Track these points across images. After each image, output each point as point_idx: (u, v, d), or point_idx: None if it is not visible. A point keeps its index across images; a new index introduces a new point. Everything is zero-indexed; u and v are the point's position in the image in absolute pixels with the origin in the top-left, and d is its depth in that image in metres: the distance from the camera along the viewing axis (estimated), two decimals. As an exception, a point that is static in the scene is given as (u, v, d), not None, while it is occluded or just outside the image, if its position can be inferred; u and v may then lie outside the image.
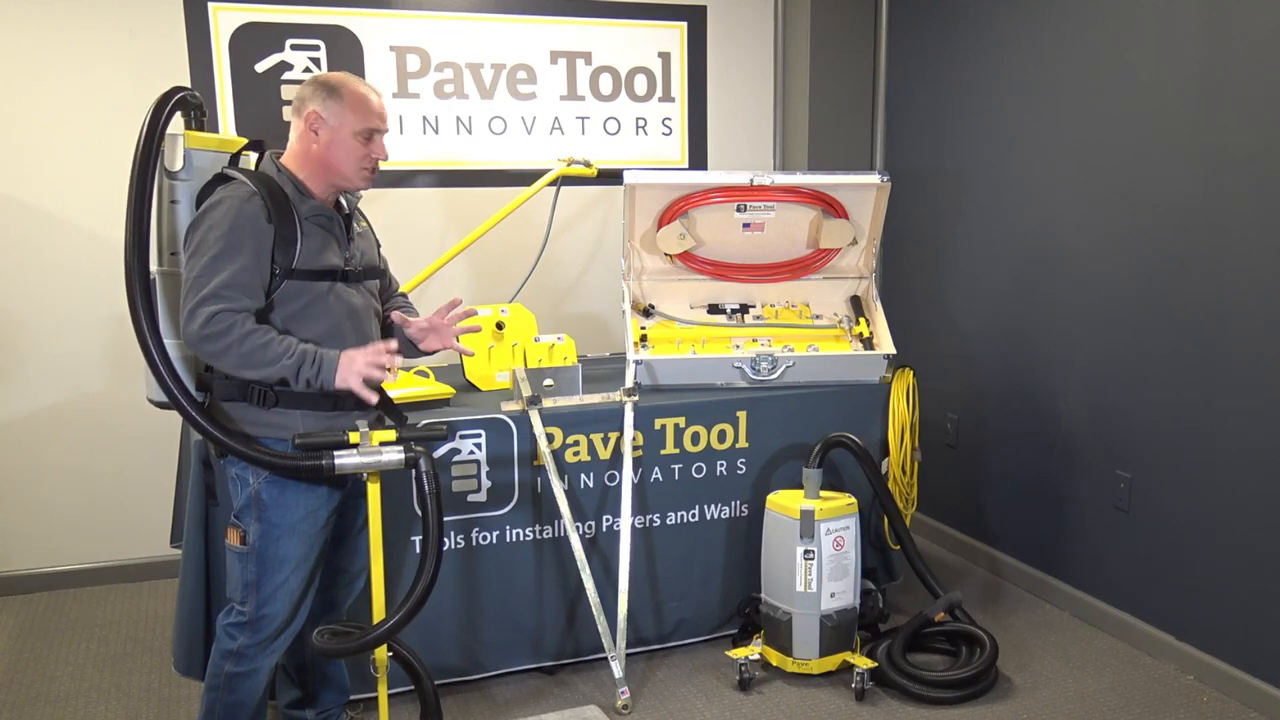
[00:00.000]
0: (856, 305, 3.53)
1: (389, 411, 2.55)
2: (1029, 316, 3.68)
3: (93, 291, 3.73)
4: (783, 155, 4.57)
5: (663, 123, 4.41)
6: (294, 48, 3.86)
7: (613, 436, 3.06)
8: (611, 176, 3.51)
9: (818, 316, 3.51)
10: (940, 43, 4.06)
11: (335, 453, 2.24)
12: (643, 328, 3.38)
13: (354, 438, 2.26)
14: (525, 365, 3.20)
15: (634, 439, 3.05)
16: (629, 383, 3.15)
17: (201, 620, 2.69)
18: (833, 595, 3.01)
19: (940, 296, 4.16)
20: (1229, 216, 2.89)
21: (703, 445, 3.17)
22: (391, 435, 2.31)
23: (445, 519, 2.74)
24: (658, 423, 3.11)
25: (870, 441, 3.25)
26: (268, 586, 2.31)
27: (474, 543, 2.96)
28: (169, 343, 2.26)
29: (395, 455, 2.28)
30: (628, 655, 3.01)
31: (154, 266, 2.26)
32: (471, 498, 2.94)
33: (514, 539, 3.00)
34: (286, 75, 3.86)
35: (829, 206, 3.41)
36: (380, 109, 2.33)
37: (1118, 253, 3.27)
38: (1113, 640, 3.33)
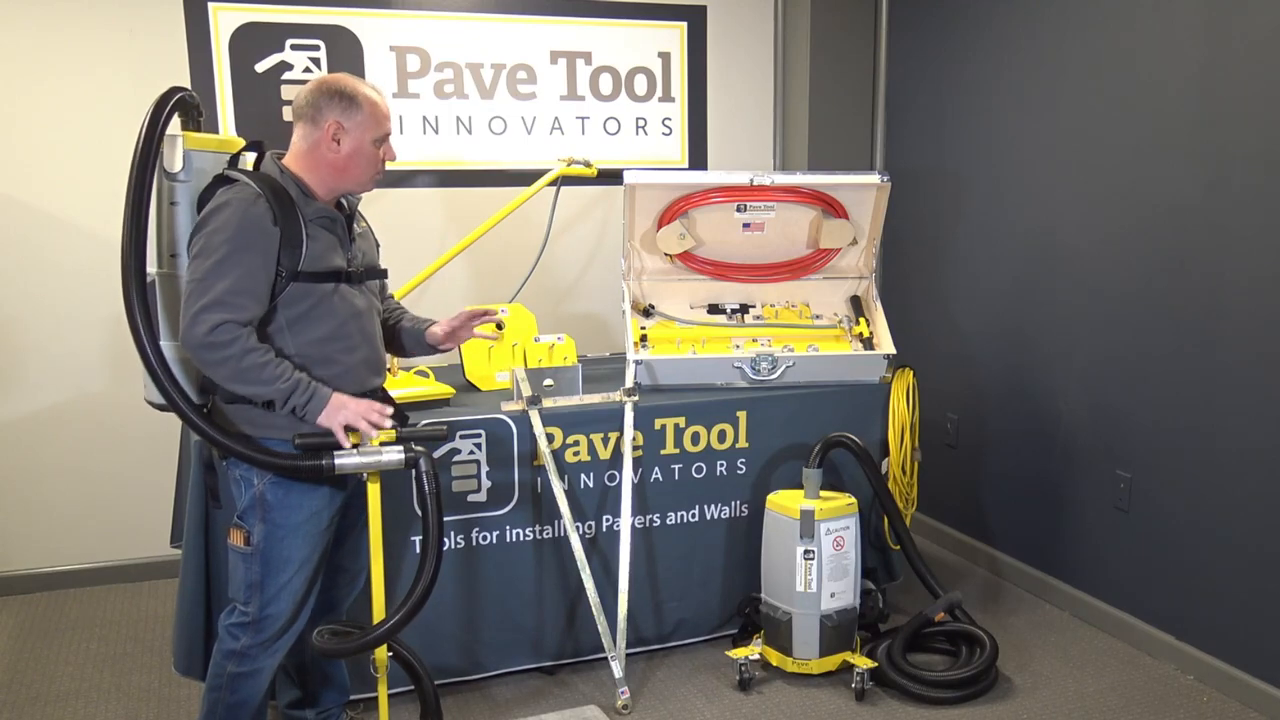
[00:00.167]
0: (856, 305, 3.53)
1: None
2: (1029, 316, 3.68)
3: (93, 291, 3.73)
4: (783, 155, 4.57)
5: (663, 123, 4.41)
6: (294, 48, 3.86)
7: (613, 436, 3.06)
8: (611, 176, 3.51)
9: (818, 316, 3.51)
10: (940, 43, 4.06)
11: (335, 453, 2.24)
12: (643, 328, 3.38)
13: (354, 438, 2.26)
14: (525, 365, 3.20)
15: (634, 439, 3.05)
16: (629, 383, 3.15)
17: (201, 620, 2.69)
18: (833, 595, 3.01)
19: (940, 296, 4.16)
20: (1229, 216, 2.89)
21: (703, 445, 3.17)
22: (391, 435, 2.32)
23: (445, 519, 2.74)
24: (658, 423, 3.11)
25: (870, 441, 3.25)
26: (272, 587, 2.31)
27: (474, 543, 2.96)
28: (166, 345, 2.26)
29: (395, 455, 2.28)
30: (628, 655, 3.01)
31: (152, 268, 2.26)
32: (471, 498, 2.94)
33: (514, 539, 3.00)
34: (286, 75, 3.86)
35: (829, 206, 3.41)
36: (388, 110, 2.35)
37: (1118, 253, 3.27)
38: (1113, 640, 3.33)
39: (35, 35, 3.59)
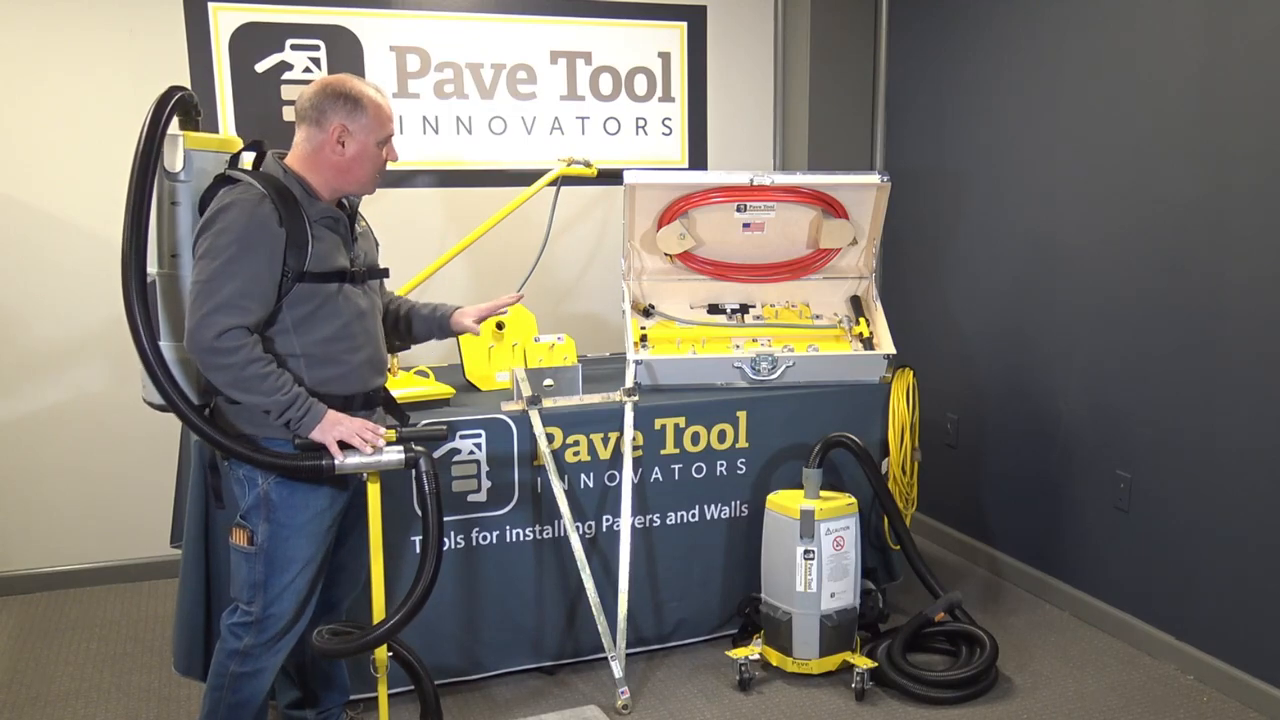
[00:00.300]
0: (856, 305, 3.53)
1: (391, 411, 2.56)
2: (1029, 316, 3.68)
3: (93, 291, 3.73)
4: (783, 155, 4.57)
5: (663, 123, 4.41)
6: (294, 48, 3.86)
7: (613, 436, 3.06)
8: (611, 176, 3.51)
9: (818, 316, 3.51)
10: (940, 43, 4.06)
11: (335, 453, 2.24)
12: (643, 328, 3.38)
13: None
14: (525, 365, 3.20)
15: (634, 439, 3.05)
16: (629, 383, 3.15)
17: (202, 620, 2.69)
18: (833, 595, 3.01)
19: (940, 296, 4.16)
20: (1229, 216, 2.89)
21: (703, 445, 3.17)
22: (391, 435, 2.32)
23: (445, 519, 2.74)
24: (658, 423, 3.11)
25: (870, 441, 3.25)
26: (275, 587, 2.31)
27: (474, 543, 2.96)
28: (166, 345, 2.25)
29: (395, 455, 2.29)
30: (628, 655, 3.01)
31: (153, 269, 2.25)
32: (471, 498, 2.94)
33: (514, 539, 3.00)
34: (286, 75, 3.86)
35: (829, 206, 3.41)
36: (391, 112, 2.35)
37: (1118, 253, 3.27)
38: (1113, 640, 3.33)
39: (35, 35, 3.59)
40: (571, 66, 4.23)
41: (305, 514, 2.31)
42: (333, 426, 2.24)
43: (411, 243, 3.95)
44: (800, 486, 3.08)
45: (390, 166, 2.42)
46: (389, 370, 3.00)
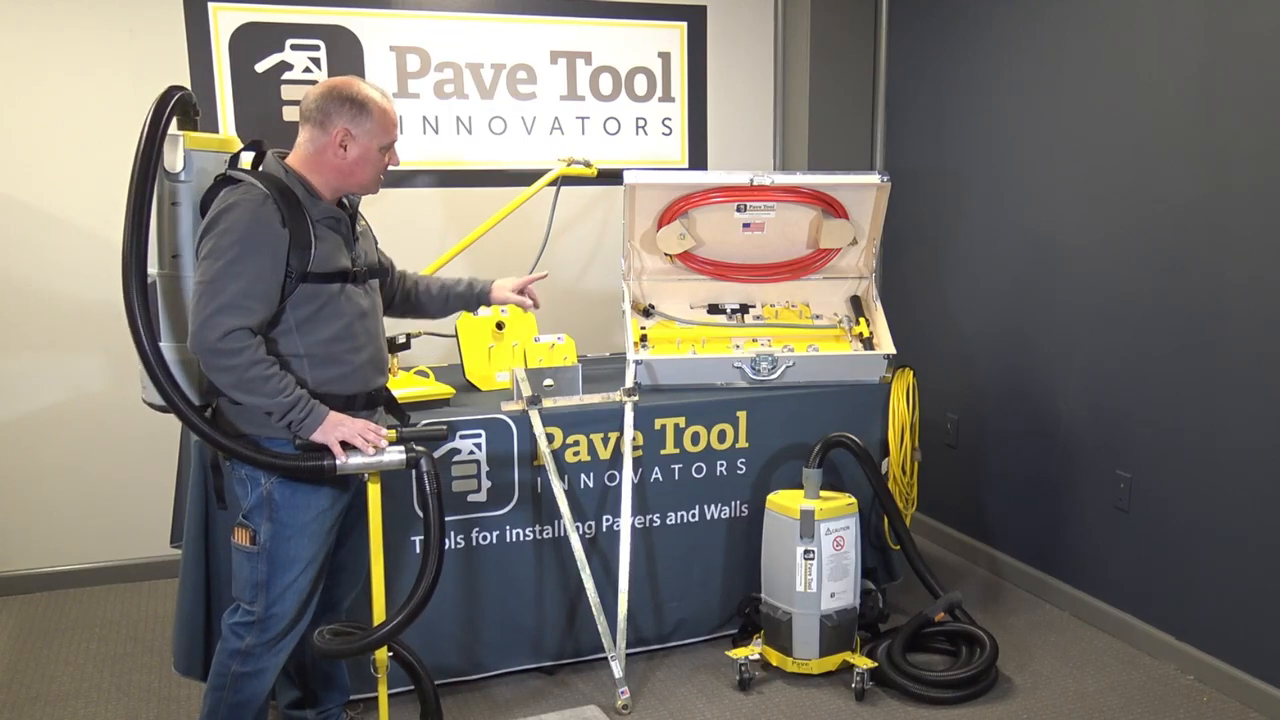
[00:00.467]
0: (856, 305, 3.53)
1: (392, 411, 2.56)
2: (1029, 316, 3.68)
3: (93, 292, 3.73)
4: (783, 155, 4.57)
5: (663, 123, 4.41)
6: (294, 48, 3.86)
7: (613, 436, 3.06)
8: (611, 176, 3.51)
9: (818, 316, 3.51)
10: (940, 43, 4.06)
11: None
12: (643, 328, 3.38)
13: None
14: (525, 365, 3.20)
15: (634, 439, 3.05)
16: (629, 383, 3.15)
17: (202, 620, 2.69)
18: (833, 595, 3.01)
19: (940, 296, 4.16)
20: (1229, 216, 2.89)
21: (703, 445, 3.17)
22: (392, 435, 2.32)
23: (446, 519, 2.73)
24: (658, 423, 3.11)
25: (870, 441, 3.25)
26: (277, 586, 2.31)
27: (474, 543, 2.96)
28: (166, 346, 2.25)
29: (397, 455, 2.29)
30: (628, 655, 3.01)
31: (154, 269, 2.25)
32: (471, 498, 2.94)
33: (514, 539, 3.00)
34: (286, 75, 3.86)
35: (829, 206, 3.41)
36: (396, 118, 2.35)
37: (1118, 253, 3.27)
38: (1113, 640, 3.33)
39: (35, 35, 3.59)
40: (571, 66, 4.23)
41: (308, 513, 2.31)
42: (334, 428, 2.24)
43: (411, 243, 3.94)
44: (800, 486, 3.08)
45: (391, 167, 2.42)
46: (389, 370, 3.01)
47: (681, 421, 3.13)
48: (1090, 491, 3.44)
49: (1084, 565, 3.50)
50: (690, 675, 3.12)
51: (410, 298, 2.76)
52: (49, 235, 3.70)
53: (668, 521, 3.17)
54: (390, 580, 2.50)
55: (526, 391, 2.98)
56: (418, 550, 2.86)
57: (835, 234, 3.41)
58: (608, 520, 3.09)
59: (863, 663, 3.00)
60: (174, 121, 2.28)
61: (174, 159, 2.26)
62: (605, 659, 2.97)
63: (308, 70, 3.87)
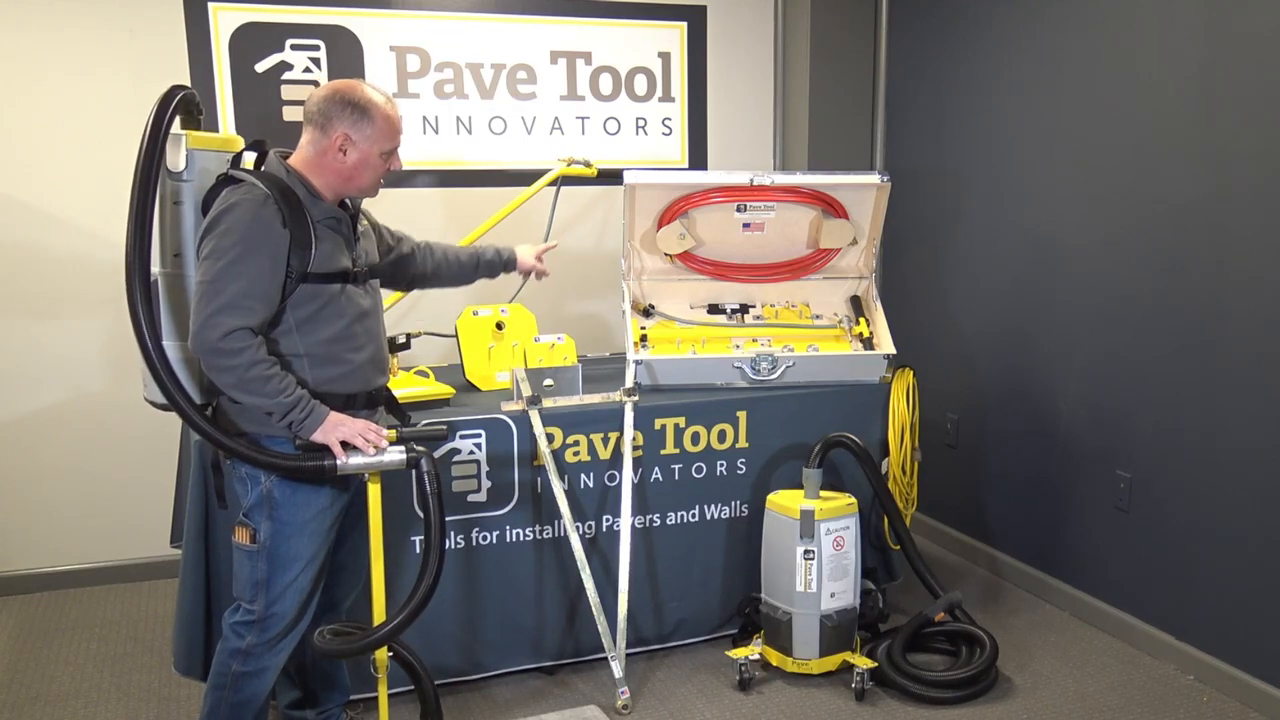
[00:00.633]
0: (856, 305, 3.53)
1: (392, 410, 2.56)
2: (1029, 316, 3.68)
3: (93, 292, 3.73)
4: (783, 155, 4.57)
5: (663, 123, 4.41)
6: (294, 48, 3.86)
7: (613, 436, 3.06)
8: (611, 176, 3.51)
9: (818, 316, 3.51)
10: (940, 43, 4.06)
11: (337, 453, 2.24)
12: (643, 328, 3.38)
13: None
14: (525, 365, 3.20)
15: (634, 439, 3.05)
16: (629, 383, 3.15)
17: (202, 620, 2.69)
18: (833, 595, 3.01)
19: (940, 296, 4.16)
20: (1229, 216, 2.89)
21: (703, 445, 3.17)
22: (392, 435, 2.32)
23: (446, 519, 2.73)
24: (658, 423, 3.11)
25: (870, 441, 3.25)
26: (278, 585, 2.31)
27: (474, 543, 2.96)
28: (169, 345, 2.26)
29: (397, 455, 2.29)
30: (628, 655, 3.01)
31: (156, 268, 2.26)
32: (471, 498, 2.94)
33: (514, 539, 3.00)
34: (286, 75, 3.86)
35: (829, 206, 3.41)
36: (400, 123, 2.34)
37: (1118, 253, 3.27)
38: (1113, 640, 3.33)
39: (35, 35, 3.59)
40: (571, 66, 4.23)
41: (307, 512, 2.31)
42: (335, 428, 2.24)
43: (411, 243, 3.94)
44: (800, 486, 3.08)
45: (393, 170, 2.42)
46: (390, 370, 3.01)
47: (681, 421, 3.13)
48: (1090, 491, 3.44)
49: (1084, 565, 3.50)
50: (690, 675, 3.12)
51: (441, 269, 2.85)
52: (49, 235, 3.70)
53: (668, 521, 3.17)
54: (390, 580, 2.50)
55: (526, 391, 2.98)
56: (418, 550, 2.86)
57: (835, 234, 3.41)
58: (608, 520, 3.09)
59: (863, 663, 3.00)
60: (177, 121, 2.28)
61: (176, 158, 2.27)
62: (605, 659, 2.97)
63: (308, 70, 3.87)
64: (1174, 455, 3.12)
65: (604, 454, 3.06)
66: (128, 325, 2.17)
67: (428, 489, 2.27)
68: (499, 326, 3.33)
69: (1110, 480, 3.34)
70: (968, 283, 4.01)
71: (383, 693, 2.44)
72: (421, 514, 2.72)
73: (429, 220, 4.11)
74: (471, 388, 3.31)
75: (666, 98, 4.40)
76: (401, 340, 3.06)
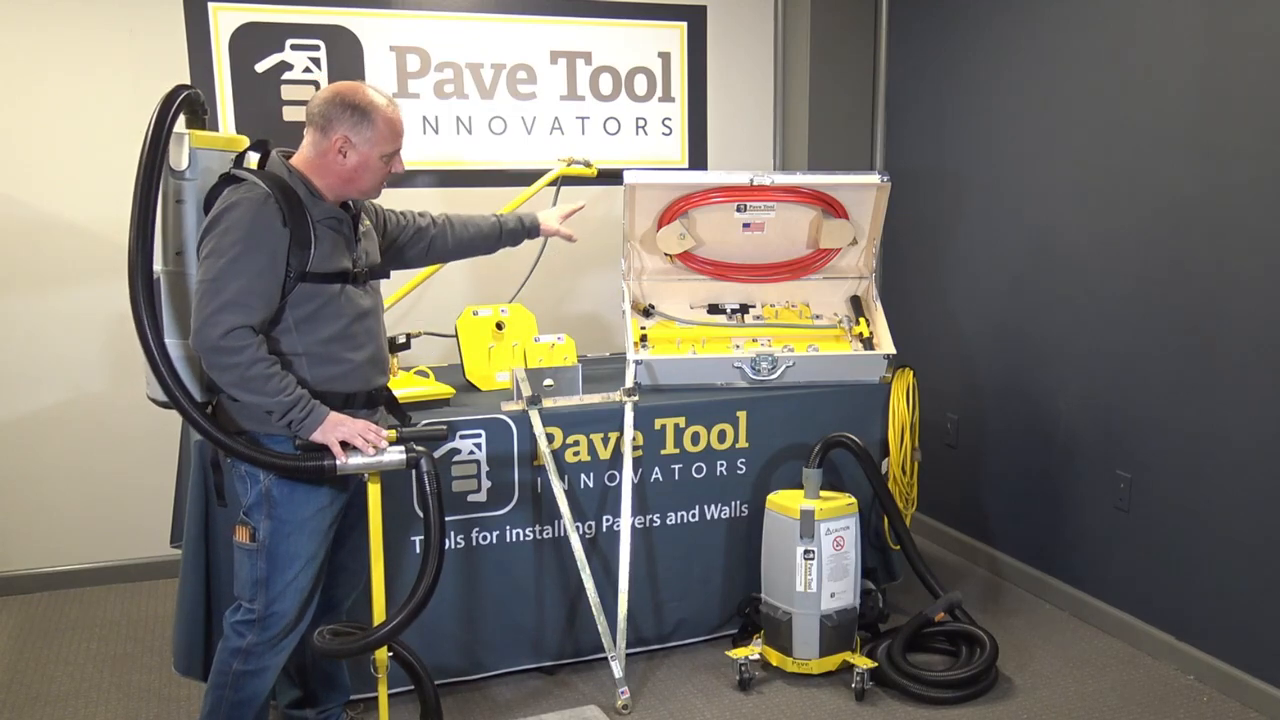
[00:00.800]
0: (856, 305, 3.53)
1: (392, 410, 2.56)
2: (1029, 316, 3.68)
3: (93, 291, 3.73)
4: (783, 155, 4.57)
5: (663, 123, 4.41)
6: (294, 48, 3.86)
7: (613, 436, 3.06)
8: (611, 176, 3.51)
9: (818, 316, 3.51)
10: (940, 43, 4.06)
11: (337, 453, 2.24)
12: (643, 328, 3.38)
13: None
14: (525, 365, 3.20)
15: (634, 439, 3.05)
16: (629, 383, 3.15)
17: (202, 620, 2.69)
18: (833, 595, 3.01)
19: (940, 296, 4.16)
20: (1229, 216, 2.89)
21: (703, 445, 3.17)
22: (392, 435, 2.32)
23: (446, 519, 2.73)
24: (658, 423, 3.11)
25: (870, 441, 3.25)
26: (278, 584, 2.31)
27: (474, 543, 2.96)
28: (171, 342, 2.26)
29: (397, 455, 2.29)
30: (628, 655, 3.01)
31: (158, 266, 2.26)
32: (471, 498, 2.94)
33: (514, 539, 3.00)
34: (286, 75, 3.85)
35: (829, 206, 3.41)
36: (402, 126, 2.34)
37: (1118, 252, 3.27)
38: (1113, 640, 3.34)
39: (35, 35, 3.59)
40: (571, 66, 4.23)
41: (307, 510, 2.31)
42: (334, 428, 2.24)
43: (411, 243, 3.94)
44: (800, 486, 3.08)
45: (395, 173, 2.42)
46: (390, 370, 3.01)
47: (681, 421, 3.13)
48: (1090, 491, 3.44)
49: (1084, 565, 3.50)
50: (690, 675, 3.12)
51: (464, 241, 2.89)
52: (49, 235, 3.70)
53: (668, 521, 3.17)
54: (390, 580, 2.51)
55: (526, 391, 2.98)
56: (418, 550, 2.86)
57: (835, 234, 3.41)
58: (608, 520, 3.09)
59: (863, 663, 3.00)
60: (181, 120, 2.28)
61: (179, 157, 2.27)
62: (605, 659, 2.97)
63: (308, 70, 3.87)
64: (1174, 455, 3.12)
65: (604, 454, 3.06)
66: (128, 325, 2.18)
67: (428, 489, 2.27)
68: (499, 326, 3.34)
69: (1110, 480, 3.34)
70: (967, 282, 4.01)
71: (383, 693, 2.44)
72: (421, 514, 2.73)
73: (429, 220, 4.11)
74: (471, 388, 3.31)
75: (666, 98, 4.40)
76: (401, 340, 3.06)
